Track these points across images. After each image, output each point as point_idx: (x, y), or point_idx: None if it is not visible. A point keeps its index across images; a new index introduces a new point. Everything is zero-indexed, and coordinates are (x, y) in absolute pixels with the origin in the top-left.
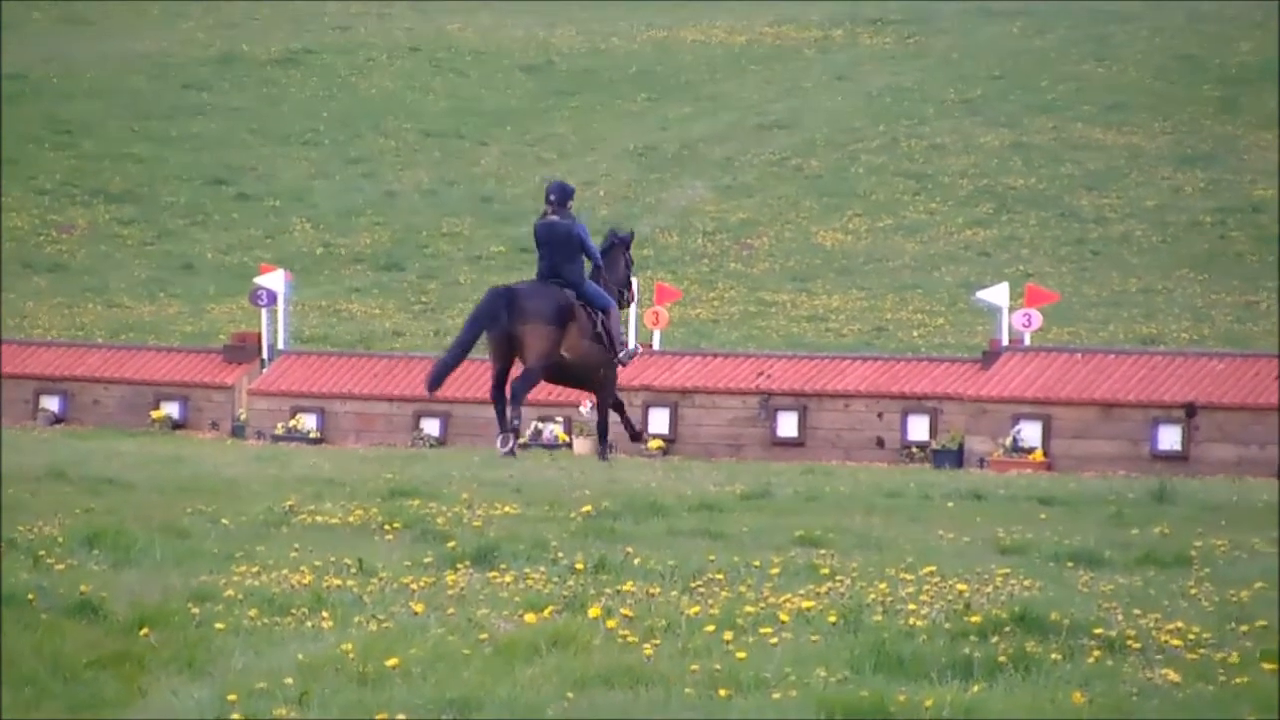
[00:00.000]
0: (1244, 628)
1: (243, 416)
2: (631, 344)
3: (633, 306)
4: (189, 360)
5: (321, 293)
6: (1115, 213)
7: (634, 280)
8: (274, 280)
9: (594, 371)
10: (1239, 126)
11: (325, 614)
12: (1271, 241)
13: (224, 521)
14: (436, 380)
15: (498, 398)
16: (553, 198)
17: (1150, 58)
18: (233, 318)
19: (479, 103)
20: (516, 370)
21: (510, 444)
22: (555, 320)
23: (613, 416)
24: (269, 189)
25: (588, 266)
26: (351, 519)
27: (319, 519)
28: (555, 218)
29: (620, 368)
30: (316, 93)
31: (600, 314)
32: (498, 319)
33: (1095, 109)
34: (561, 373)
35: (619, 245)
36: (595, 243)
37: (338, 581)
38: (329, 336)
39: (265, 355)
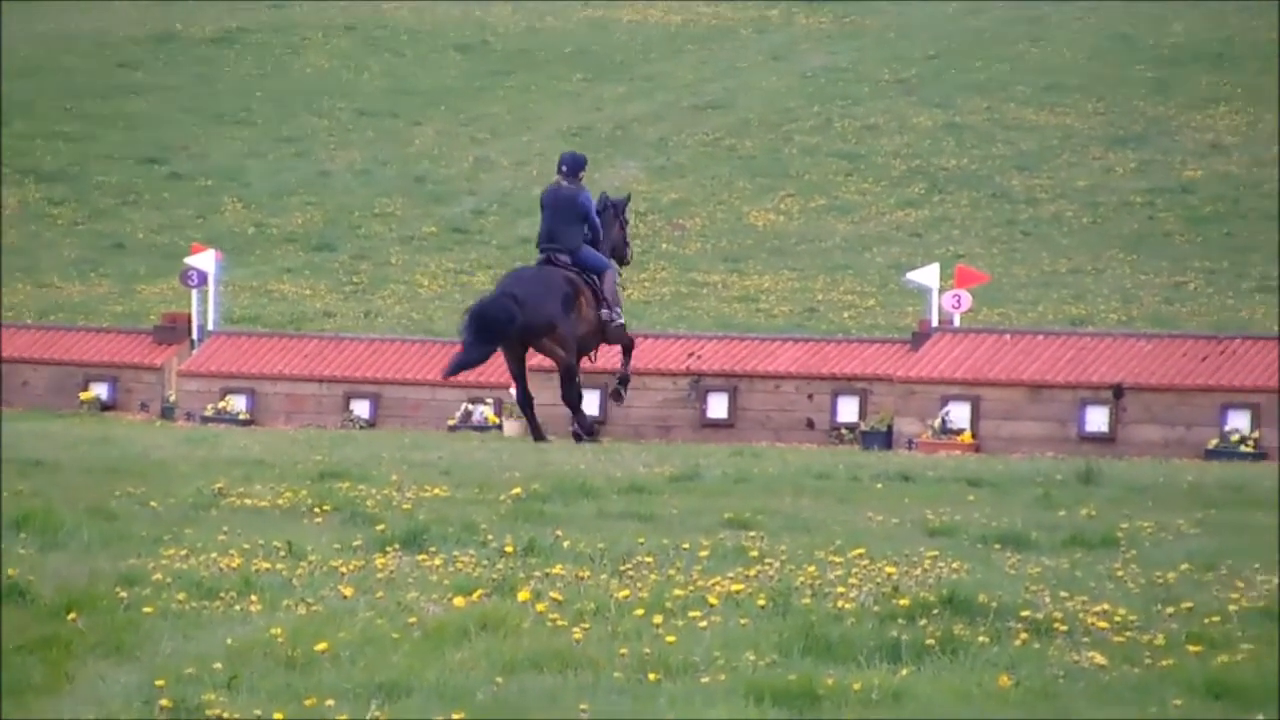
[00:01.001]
0: (1170, 610)
1: (172, 398)
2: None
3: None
4: (118, 341)
5: (252, 273)
6: (1046, 193)
7: (629, 243)
8: (205, 260)
9: (599, 336)
10: (1171, 107)
11: (254, 598)
12: (1200, 223)
13: (153, 504)
14: (454, 372)
15: (525, 404)
16: (564, 168)
17: (1084, 38)
18: (163, 298)
19: (414, 82)
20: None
21: (595, 434)
22: (565, 311)
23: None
24: (201, 168)
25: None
26: (281, 501)
27: (248, 501)
28: (565, 184)
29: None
30: (250, 72)
31: (595, 277)
32: (508, 327)
33: (1029, 89)
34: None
35: (611, 209)
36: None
37: (266, 565)
38: (260, 317)
39: (195, 336)
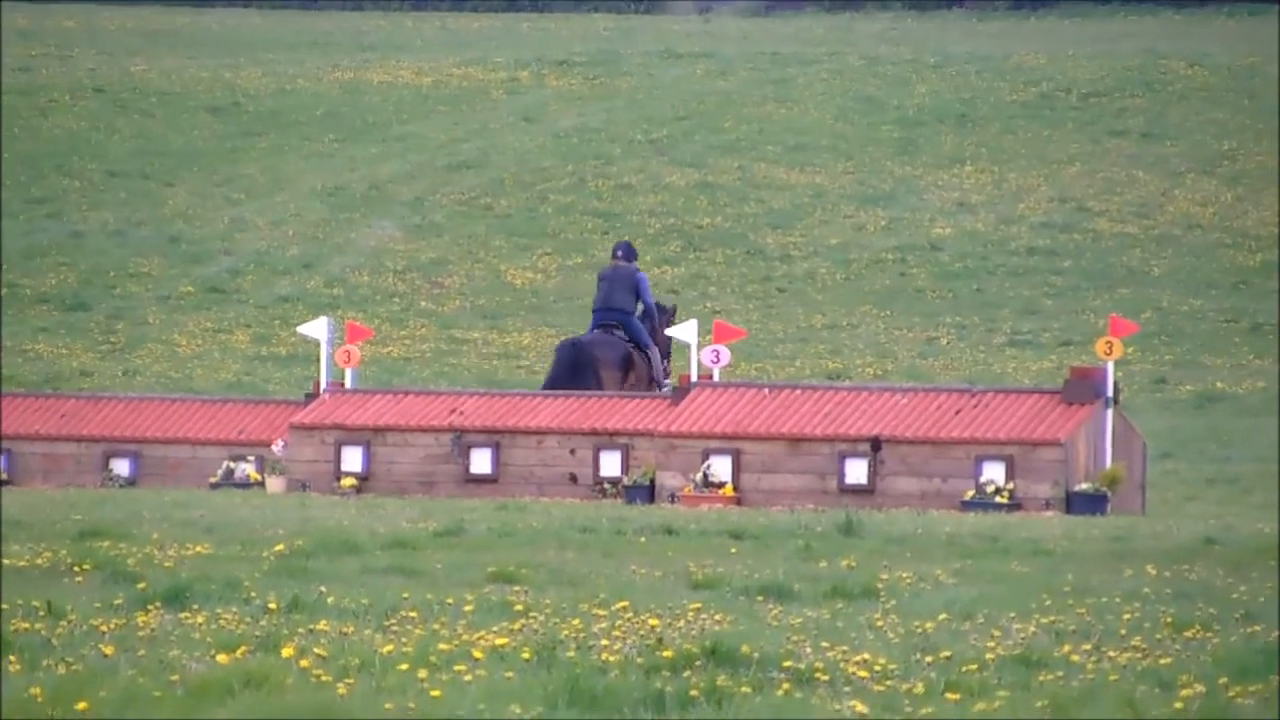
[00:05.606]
0: (929, 658)
1: None
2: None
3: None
4: None
5: (6, 333)
6: (800, 251)
7: (669, 357)
8: None
9: None
10: (918, 166)
11: (12, 658)
12: (950, 278)
13: None
14: None
15: None
16: (619, 253)
17: (830, 99)
18: None
19: (165, 143)
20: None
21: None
22: (621, 367)
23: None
24: None
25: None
26: (40, 561)
27: (6, 562)
28: (621, 264)
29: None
30: None
31: (644, 354)
32: (573, 372)
33: (779, 149)
34: None
35: (661, 320)
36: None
37: (25, 625)
38: (15, 377)
39: None
